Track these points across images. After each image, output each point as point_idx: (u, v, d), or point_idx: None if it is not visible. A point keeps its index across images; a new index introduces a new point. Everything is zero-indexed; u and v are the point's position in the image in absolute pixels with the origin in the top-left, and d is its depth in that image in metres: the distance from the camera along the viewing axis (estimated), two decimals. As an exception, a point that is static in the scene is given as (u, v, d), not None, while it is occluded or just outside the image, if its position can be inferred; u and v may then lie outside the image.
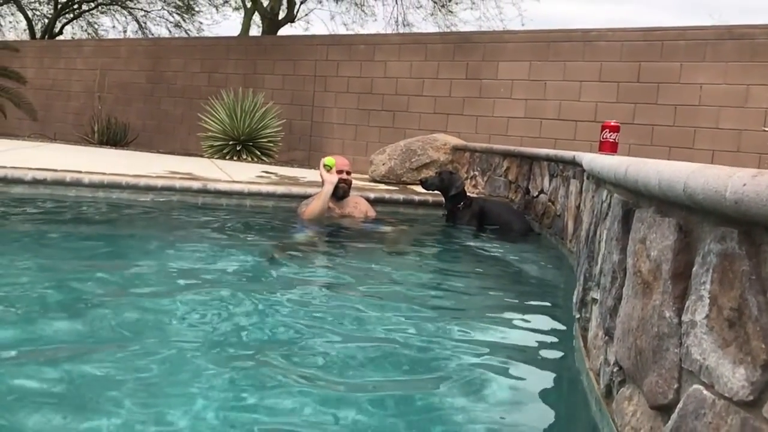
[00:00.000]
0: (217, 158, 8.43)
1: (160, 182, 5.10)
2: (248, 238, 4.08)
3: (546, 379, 2.04)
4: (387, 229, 4.61)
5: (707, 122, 6.68)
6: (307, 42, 10.04)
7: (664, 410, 1.20)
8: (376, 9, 22.78)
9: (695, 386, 1.07)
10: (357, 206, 4.66)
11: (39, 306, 2.37)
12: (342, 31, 16.46)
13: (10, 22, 19.82)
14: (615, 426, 1.48)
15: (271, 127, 8.85)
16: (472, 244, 4.39)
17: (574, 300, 2.39)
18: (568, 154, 3.99)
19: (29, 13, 18.55)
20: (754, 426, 0.91)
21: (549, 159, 4.52)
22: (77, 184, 4.93)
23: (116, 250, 3.59)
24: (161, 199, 4.99)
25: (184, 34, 17.78)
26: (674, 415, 1.13)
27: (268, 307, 2.52)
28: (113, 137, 10.45)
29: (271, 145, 8.86)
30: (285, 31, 14.68)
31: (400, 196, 5.57)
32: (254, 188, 5.25)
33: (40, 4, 18.76)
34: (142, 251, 3.56)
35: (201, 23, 18.35)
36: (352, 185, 4.68)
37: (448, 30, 14.80)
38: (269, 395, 1.74)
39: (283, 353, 2.02)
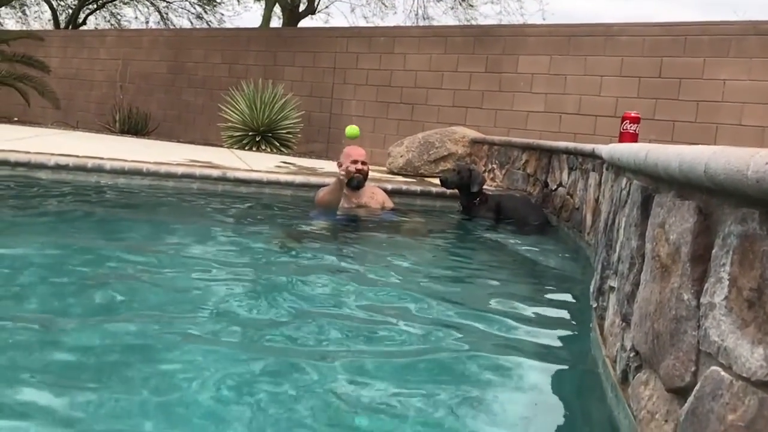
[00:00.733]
0: (236, 148, 8.48)
1: (180, 170, 5.15)
2: (265, 226, 4.11)
3: (562, 366, 2.04)
4: (403, 219, 4.61)
5: (730, 119, 6.59)
6: (327, 34, 10.05)
7: (680, 393, 1.20)
8: (397, 2, 22.74)
9: (713, 368, 1.07)
10: (374, 196, 4.66)
11: (52, 285, 2.45)
12: (362, 23, 16.47)
13: (36, 12, 20.11)
14: (631, 411, 1.48)
15: (290, 119, 8.89)
16: (488, 236, 4.38)
17: (591, 289, 2.39)
18: (587, 146, 3.97)
19: (54, 4, 18.79)
20: (772, 405, 0.91)
21: (568, 152, 4.50)
22: (99, 170, 5.00)
23: (133, 234, 3.64)
24: (181, 185, 5.04)
25: (205, 26, 17.90)
26: (691, 398, 1.13)
27: (279, 293, 2.54)
28: (134, 126, 10.54)
29: (290, 136, 8.90)
30: (305, 23, 14.74)
31: (418, 188, 5.57)
32: (273, 177, 5.28)
33: (64, -6, 18.99)
34: (158, 234, 3.62)
35: (222, 15, 18.50)
36: (369, 176, 4.67)
37: (468, 23, 14.75)
38: (277, 375, 1.77)
39: (291, 336, 2.07)
